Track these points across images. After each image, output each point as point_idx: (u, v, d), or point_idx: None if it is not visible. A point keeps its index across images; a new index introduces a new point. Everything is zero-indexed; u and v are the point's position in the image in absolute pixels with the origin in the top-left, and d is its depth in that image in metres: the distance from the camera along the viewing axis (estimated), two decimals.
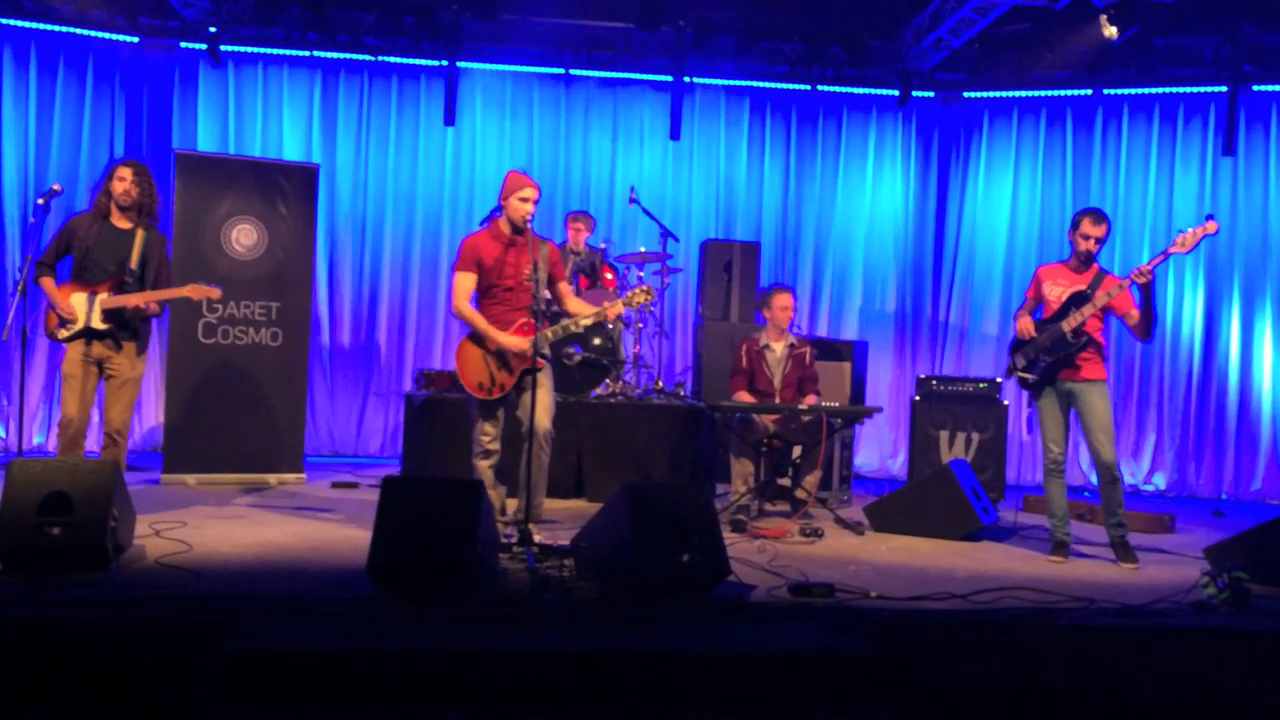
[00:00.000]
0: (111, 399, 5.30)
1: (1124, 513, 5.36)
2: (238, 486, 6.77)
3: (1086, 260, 5.38)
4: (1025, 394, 5.66)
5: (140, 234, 5.32)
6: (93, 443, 5.80)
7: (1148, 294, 5.14)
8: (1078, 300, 5.31)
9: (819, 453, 6.14)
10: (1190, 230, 5.12)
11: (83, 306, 5.18)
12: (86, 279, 5.24)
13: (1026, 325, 5.42)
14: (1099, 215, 5.37)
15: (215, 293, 5.53)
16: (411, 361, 8.96)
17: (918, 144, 9.50)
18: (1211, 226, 5.12)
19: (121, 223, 5.33)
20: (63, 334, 5.20)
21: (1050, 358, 5.35)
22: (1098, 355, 5.38)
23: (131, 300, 5.21)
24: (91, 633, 3.47)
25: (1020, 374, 5.49)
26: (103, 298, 5.18)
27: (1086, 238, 5.32)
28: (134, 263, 5.26)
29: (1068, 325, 5.28)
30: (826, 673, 3.49)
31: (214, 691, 3.24)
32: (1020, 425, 9.03)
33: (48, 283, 5.24)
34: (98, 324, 5.19)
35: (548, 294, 5.41)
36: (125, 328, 5.26)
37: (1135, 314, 5.27)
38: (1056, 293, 5.42)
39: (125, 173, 5.33)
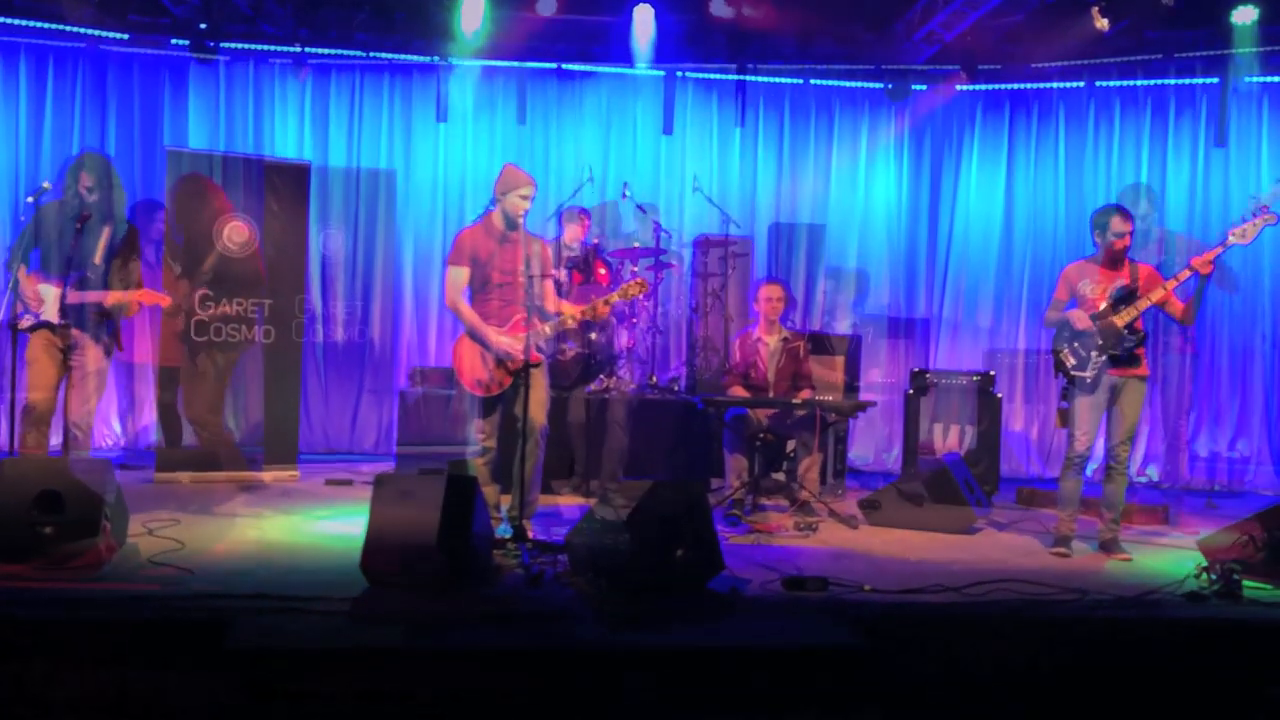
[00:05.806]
0: (72, 392, 5.30)
1: (1121, 509, 5.39)
2: (231, 484, 6.76)
3: (1120, 257, 5.31)
4: (1059, 387, 5.59)
5: (106, 230, 5.29)
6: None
7: (1205, 282, 5.11)
8: (1125, 296, 5.23)
9: (814, 447, 6.14)
10: (1249, 222, 5.11)
11: (47, 297, 5.19)
12: (50, 271, 5.25)
13: (1083, 317, 5.26)
14: (1126, 212, 5.29)
15: (165, 300, 5.62)
16: (405, 358, 8.95)
17: (911, 137, 9.47)
18: (1271, 217, 5.09)
19: (86, 215, 5.28)
20: (24, 323, 5.21)
21: (1106, 354, 5.23)
22: (1145, 349, 5.36)
23: (90, 298, 5.21)
24: (84, 632, 3.47)
25: (1074, 373, 5.31)
26: (60, 292, 5.19)
27: (1120, 235, 5.24)
28: (98, 258, 5.25)
29: (1121, 321, 5.19)
30: (820, 665, 3.50)
31: (208, 690, 3.23)
32: (1013, 418, 9.06)
33: (19, 271, 5.27)
34: (54, 317, 5.19)
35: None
36: (85, 323, 5.26)
37: (1178, 305, 5.25)
38: (1097, 291, 5.30)
39: (91, 168, 5.29)
